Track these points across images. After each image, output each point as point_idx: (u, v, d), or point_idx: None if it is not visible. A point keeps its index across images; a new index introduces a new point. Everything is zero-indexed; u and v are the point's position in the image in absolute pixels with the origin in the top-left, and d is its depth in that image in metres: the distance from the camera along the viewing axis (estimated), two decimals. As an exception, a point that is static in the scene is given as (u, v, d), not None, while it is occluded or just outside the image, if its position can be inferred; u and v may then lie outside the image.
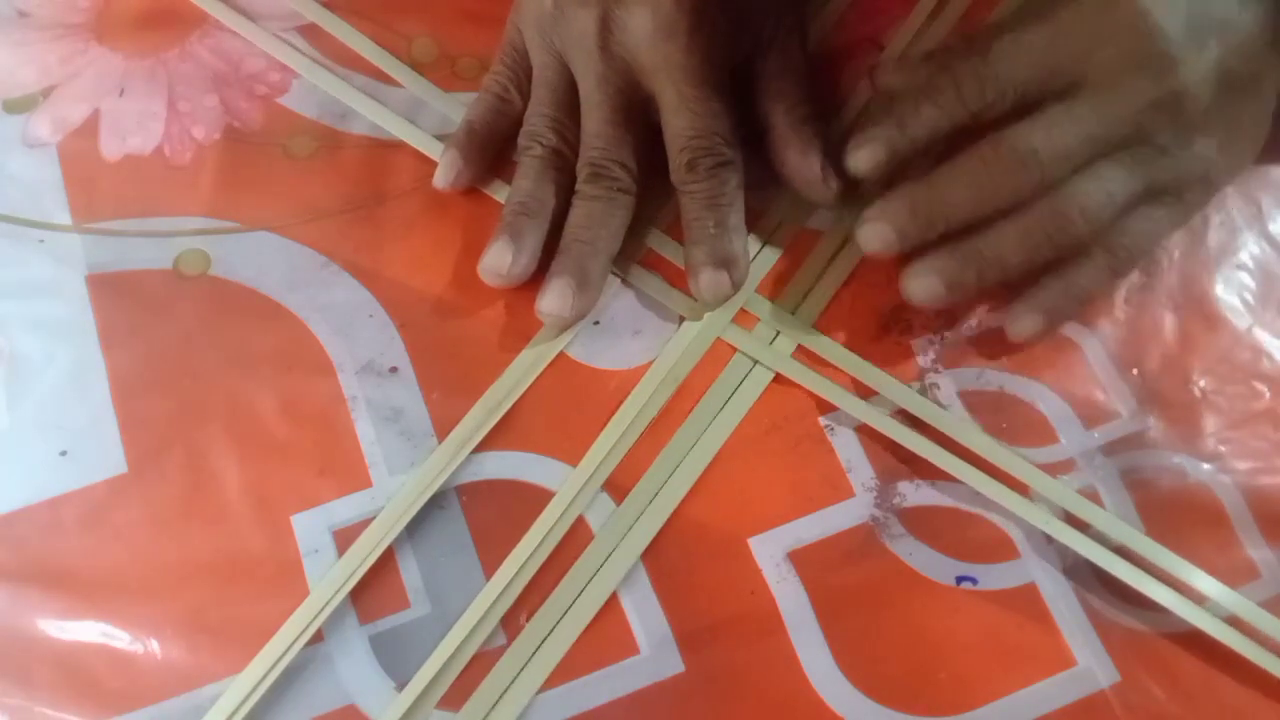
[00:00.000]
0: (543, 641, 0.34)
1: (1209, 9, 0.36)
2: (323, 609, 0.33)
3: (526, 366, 0.38)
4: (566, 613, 0.34)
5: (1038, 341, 0.39)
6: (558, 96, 0.40)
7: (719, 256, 0.38)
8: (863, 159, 0.38)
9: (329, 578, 0.34)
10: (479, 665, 0.33)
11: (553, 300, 0.38)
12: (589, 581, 0.35)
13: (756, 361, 0.38)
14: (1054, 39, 0.36)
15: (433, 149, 0.41)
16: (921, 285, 0.37)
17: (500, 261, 0.38)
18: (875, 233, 0.37)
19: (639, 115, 0.40)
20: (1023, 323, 0.38)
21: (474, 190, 0.41)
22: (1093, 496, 0.36)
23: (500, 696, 0.33)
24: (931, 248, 0.37)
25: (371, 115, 0.42)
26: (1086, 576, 0.35)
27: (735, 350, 0.39)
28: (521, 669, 0.33)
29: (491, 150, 0.41)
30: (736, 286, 0.39)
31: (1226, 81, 0.36)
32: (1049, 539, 0.36)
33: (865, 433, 0.37)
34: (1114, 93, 0.36)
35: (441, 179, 0.40)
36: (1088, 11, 0.36)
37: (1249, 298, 0.40)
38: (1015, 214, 0.37)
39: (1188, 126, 0.37)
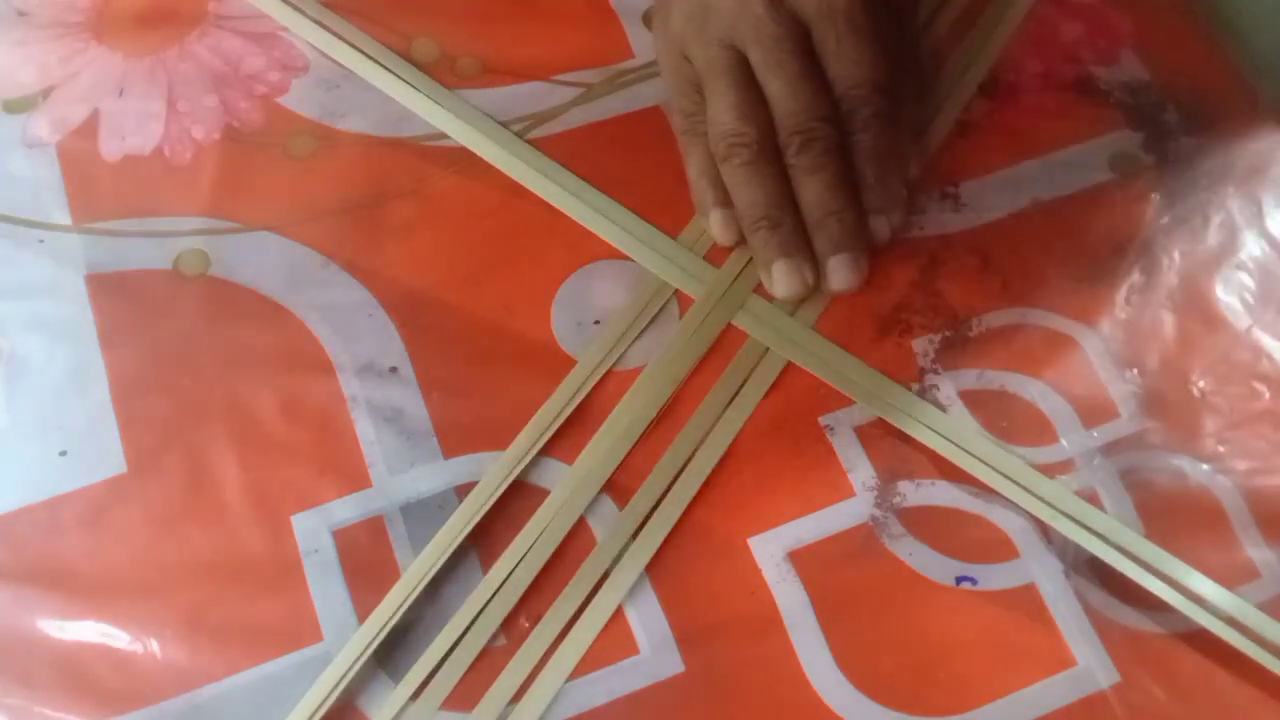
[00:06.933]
0: (548, 653, 0.34)
1: None
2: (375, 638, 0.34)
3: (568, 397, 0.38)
4: (573, 625, 0.34)
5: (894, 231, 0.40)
6: (735, 78, 0.39)
7: (886, 202, 0.39)
8: None
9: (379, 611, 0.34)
10: (481, 669, 0.33)
11: (849, 276, 0.39)
12: (596, 592, 0.35)
13: (768, 350, 0.38)
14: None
15: (483, 147, 0.42)
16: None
17: (798, 285, 0.39)
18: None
19: (818, 63, 0.40)
20: (878, 228, 0.40)
21: (472, 190, 0.41)
22: (1092, 497, 0.36)
23: (508, 706, 0.33)
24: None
25: (424, 112, 0.42)
26: (1086, 576, 0.35)
27: (734, 351, 0.39)
28: (528, 680, 0.33)
29: None
30: (893, 226, 0.40)
31: None
32: (1049, 539, 0.36)
33: (865, 433, 0.37)
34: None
35: (728, 238, 0.40)
36: None
37: (1249, 298, 0.40)
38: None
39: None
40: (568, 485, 0.36)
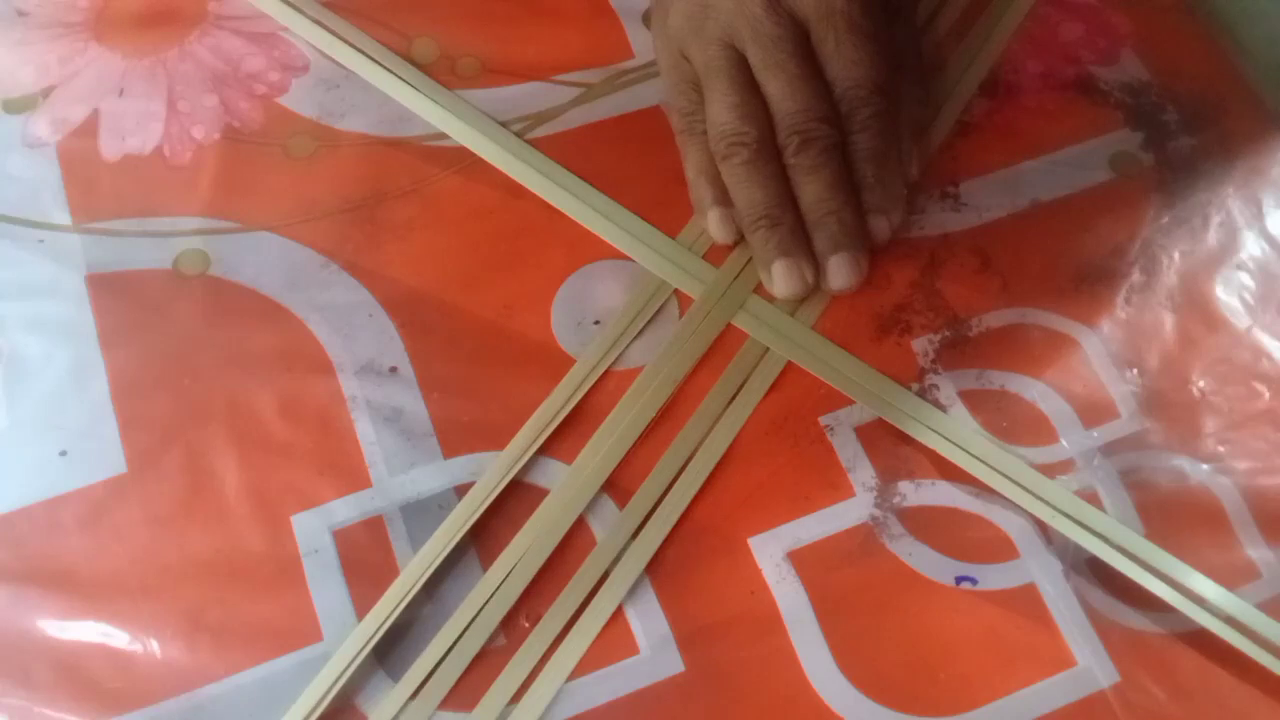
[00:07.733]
0: (547, 653, 0.34)
1: None
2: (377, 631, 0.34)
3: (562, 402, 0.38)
4: (573, 625, 0.34)
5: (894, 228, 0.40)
6: (734, 78, 0.39)
7: (886, 202, 0.39)
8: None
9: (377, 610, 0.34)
10: (480, 669, 0.33)
11: (849, 276, 0.39)
12: (596, 592, 0.35)
13: (768, 350, 0.38)
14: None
15: (483, 147, 0.42)
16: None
17: (798, 284, 0.39)
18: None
19: (817, 63, 0.40)
20: (878, 227, 0.40)
21: (472, 190, 0.41)
22: (1092, 497, 0.36)
23: (508, 706, 0.33)
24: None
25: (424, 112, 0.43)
26: (1086, 576, 0.35)
27: (734, 351, 0.39)
28: (528, 680, 0.33)
29: None
30: (893, 226, 0.40)
31: None
32: (1049, 539, 0.36)
33: (865, 433, 0.37)
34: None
35: (726, 236, 0.40)
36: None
37: (1249, 298, 0.40)
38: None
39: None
40: (567, 485, 0.36)
